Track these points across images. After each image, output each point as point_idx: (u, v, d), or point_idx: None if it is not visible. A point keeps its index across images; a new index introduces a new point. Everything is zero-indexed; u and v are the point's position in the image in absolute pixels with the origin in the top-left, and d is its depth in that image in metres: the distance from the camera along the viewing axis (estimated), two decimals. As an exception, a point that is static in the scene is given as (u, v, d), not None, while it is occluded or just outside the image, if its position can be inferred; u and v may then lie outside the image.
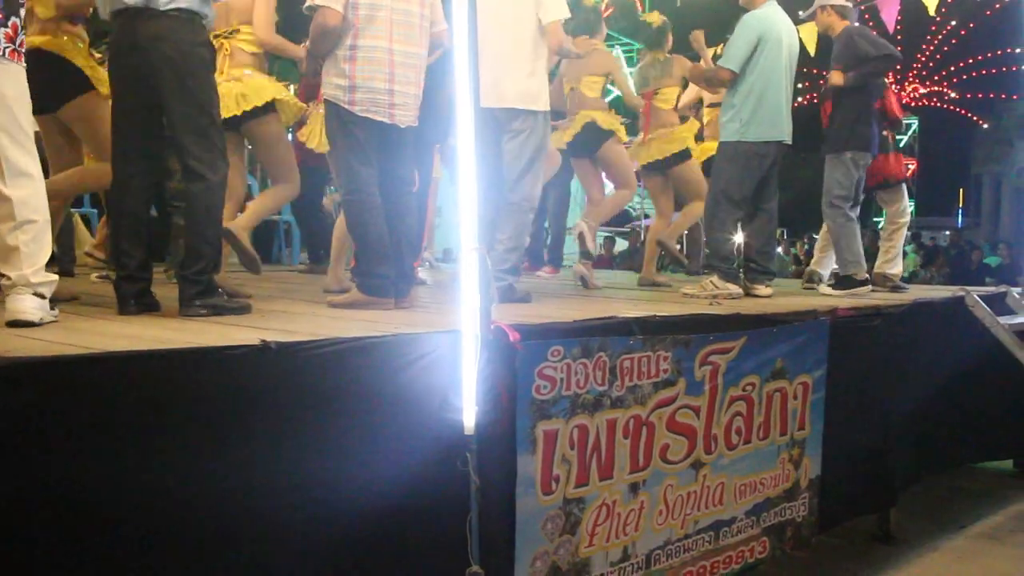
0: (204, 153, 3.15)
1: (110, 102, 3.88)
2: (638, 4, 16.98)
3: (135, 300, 3.11)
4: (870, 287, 5.20)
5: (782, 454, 3.62)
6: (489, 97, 3.89)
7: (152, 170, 3.29)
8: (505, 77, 3.88)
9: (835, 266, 5.59)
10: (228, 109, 4.11)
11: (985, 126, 27.04)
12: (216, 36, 4.23)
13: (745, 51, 4.63)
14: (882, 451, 4.37)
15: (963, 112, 25.94)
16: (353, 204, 3.58)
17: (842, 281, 5.22)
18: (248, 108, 4.18)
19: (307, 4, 3.47)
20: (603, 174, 5.85)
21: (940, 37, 24.05)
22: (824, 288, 5.35)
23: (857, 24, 5.37)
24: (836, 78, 5.12)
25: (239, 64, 4.28)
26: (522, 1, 3.86)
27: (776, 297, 4.81)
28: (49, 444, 1.90)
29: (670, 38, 5.75)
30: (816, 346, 3.79)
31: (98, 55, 4.56)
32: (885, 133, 5.66)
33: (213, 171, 3.17)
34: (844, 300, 4.66)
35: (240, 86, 4.19)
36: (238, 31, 4.30)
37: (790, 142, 4.84)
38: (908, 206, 5.96)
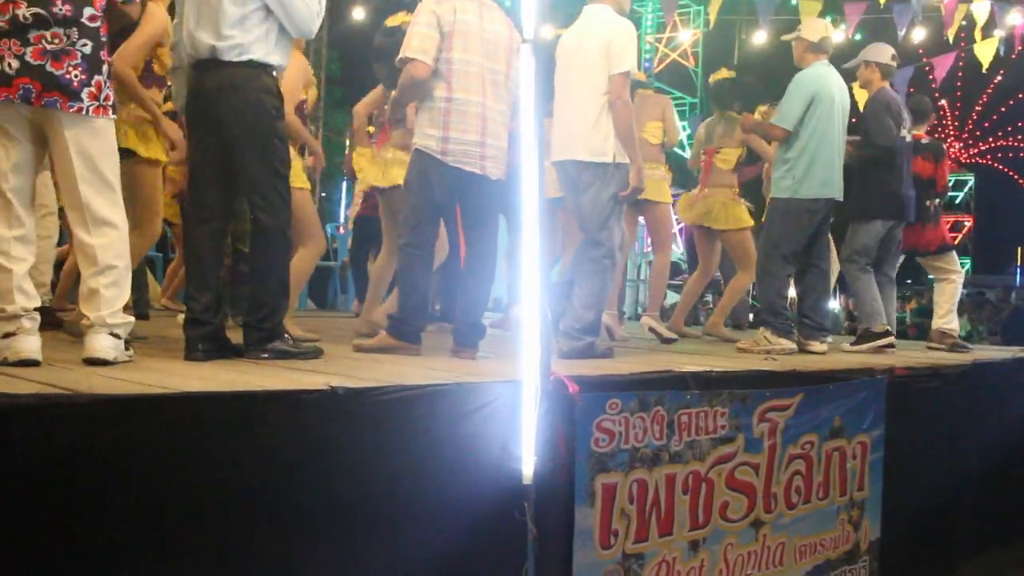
0: (267, 201, 3.23)
1: (152, 167, 4.00)
2: (690, 59, 17.18)
3: (202, 344, 3.11)
4: (892, 339, 5.13)
5: (841, 515, 3.56)
6: (562, 150, 3.97)
7: (224, 216, 3.36)
8: (574, 130, 3.92)
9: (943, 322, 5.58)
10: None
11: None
12: None
13: (799, 109, 4.69)
14: (942, 516, 4.27)
15: (1013, 174, 25.56)
16: (409, 255, 3.63)
17: (863, 336, 5.20)
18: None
19: (399, 56, 3.58)
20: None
21: (990, 92, 23.79)
22: (846, 346, 5.31)
23: (889, 90, 5.34)
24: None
25: None
26: (594, 53, 3.88)
27: (831, 353, 4.77)
28: (129, 479, 1.97)
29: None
30: (874, 405, 3.74)
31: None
32: (928, 203, 5.62)
33: (275, 218, 3.24)
34: (900, 358, 4.61)
35: None
36: None
37: (841, 199, 4.84)
38: (957, 264, 5.83)
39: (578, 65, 3.92)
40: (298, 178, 4.24)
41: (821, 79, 4.75)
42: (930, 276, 6.00)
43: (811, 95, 4.69)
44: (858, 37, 9.03)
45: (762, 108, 5.84)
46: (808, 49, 4.84)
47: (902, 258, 5.89)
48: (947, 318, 5.64)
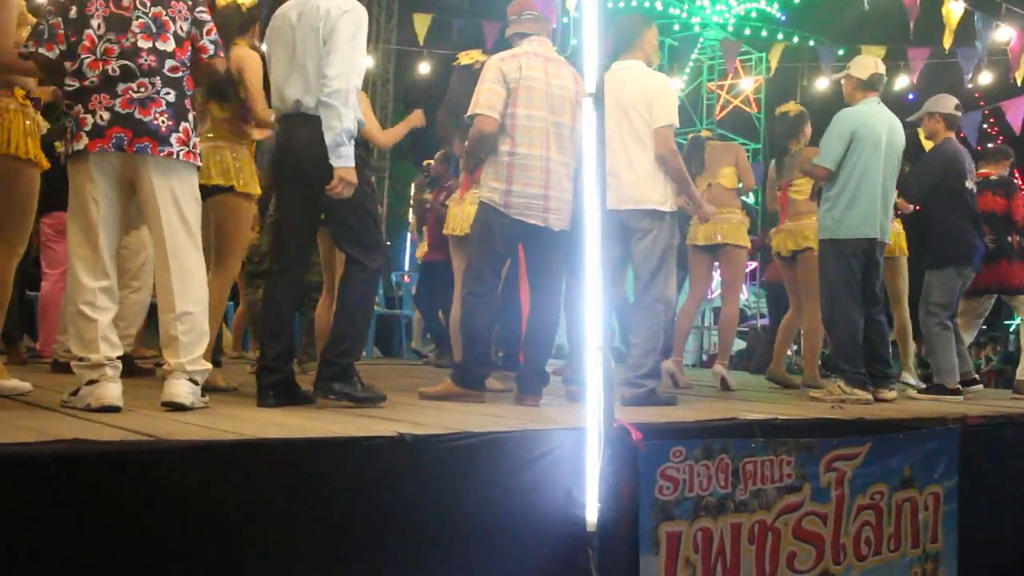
0: (365, 247, 3.31)
1: (251, 205, 4.12)
2: (753, 106, 17.17)
3: (273, 391, 3.19)
4: (961, 398, 4.97)
5: (915, 568, 3.46)
6: (617, 199, 4.02)
7: (302, 267, 3.47)
8: (631, 179, 3.98)
9: None
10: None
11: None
12: None
13: (838, 148, 4.60)
14: (1024, 570, 4.12)
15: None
16: (471, 304, 3.70)
17: (934, 389, 5.10)
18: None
19: (468, 113, 3.71)
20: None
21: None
22: (911, 392, 5.21)
23: (954, 141, 5.26)
24: (901, 203, 5.24)
25: None
26: (640, 109, 3.97)
27: (900, 401, 4.67)
28: (211, 525, 2.05)
29: (807, 130, 5.74)
30: (946, 455, 3.65)
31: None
32: (1011, 239, 5.50)
33: (371, 260, 3.31)
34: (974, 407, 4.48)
35: None
36: None
37: (885, 239, 4.73)
38: None
39: (623, 121, 3.99)
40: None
41: (864, 117, 4.63)
42: (1006, 321, 5.86)
43: (851, 134, 4.58)
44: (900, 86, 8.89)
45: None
46: (857, 87, 4.75)
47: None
48: None
